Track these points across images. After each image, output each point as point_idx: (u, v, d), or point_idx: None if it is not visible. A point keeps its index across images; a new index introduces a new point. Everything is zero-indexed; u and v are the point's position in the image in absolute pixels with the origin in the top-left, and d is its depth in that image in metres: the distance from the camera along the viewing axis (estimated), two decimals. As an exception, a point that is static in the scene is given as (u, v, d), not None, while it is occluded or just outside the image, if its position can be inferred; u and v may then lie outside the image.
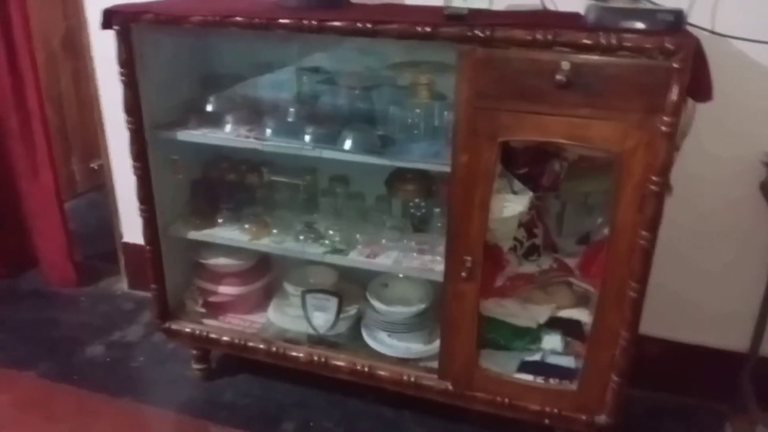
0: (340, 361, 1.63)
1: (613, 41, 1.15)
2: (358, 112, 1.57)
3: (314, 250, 1.63)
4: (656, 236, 1.26)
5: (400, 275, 1.68)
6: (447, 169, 1.36)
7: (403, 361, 1.62)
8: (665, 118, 1.17)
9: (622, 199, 1.25)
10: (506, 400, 1.48)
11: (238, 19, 1.36)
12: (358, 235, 1.65)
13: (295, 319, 1.73)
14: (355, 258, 1.60)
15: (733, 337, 1.69)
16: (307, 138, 1.53)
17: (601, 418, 1.42)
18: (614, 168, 1.25)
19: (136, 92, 1.54)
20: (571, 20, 1.32)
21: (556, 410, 1.46)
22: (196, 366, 1.87)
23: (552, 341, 1.55)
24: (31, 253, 2.38)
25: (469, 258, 1.39)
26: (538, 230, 1.54)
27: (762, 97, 1.50)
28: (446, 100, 1.51)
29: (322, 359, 1.64)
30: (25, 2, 2.05)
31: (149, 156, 1.61)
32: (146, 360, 1.97)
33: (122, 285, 2.34)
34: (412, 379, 1.57)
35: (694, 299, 1.71)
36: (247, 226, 1.70)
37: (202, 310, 1.79)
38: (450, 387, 1.53)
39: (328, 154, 1.51)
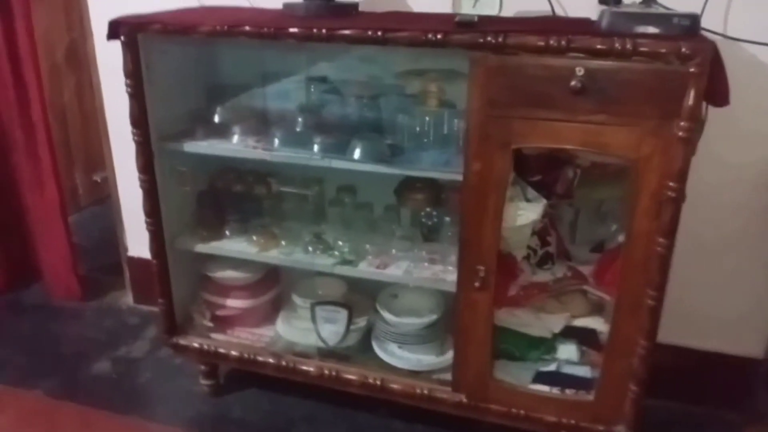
0: (351, 374, 1.61)
1: (629, 46, 1.13)
2: (367, 121, 1.56)
3: (324, 262, 1.61)
4: (673, 243, 1.24)
5: (410, 285, 1.65)
6: (459, 177, 1.34)
7: (414, 374, 1.59)
8: (682, 124, 1.15)
9: (638, 205, 1.24)
10: (522, 411, 1.46)
11: (247, 28, 1.35)
12: (367, 246, 1.63)
13: (304, 331, 1.70)
14: (366, 269, 1.58)
15: (747, 343, 1.67)
16: (315, 148, 1.51)
17: (620, 429, 1.39)
18: (630, 174, 1.23)
19: (142, 103, 1.52)
20: (582, 26, 1.31)
21: (572, 421, 1.43)
22: (203, 381, 1.84)
23: (567, 351, 1.53)
24: (34, 266, 2.36)
25: (482, 267, 1.36)
26: (551, 238, 1.52)
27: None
28: (455, 108, 1.50)
29: (333, 373, 1.62)
30: (30, 15, 2.04)
31: (156, 168, 1.59)
32: (153, 376, 1.94)
33: (127, 299, 2.32)
34: (425, 391, 1.54)
35: (706, 305, 1.68)
36: (254, 237, 1.68)
37: (210, 324, 1.77)
38: (464, 399, 1.50)
39: (337, 163, 1.50)
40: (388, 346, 1.65)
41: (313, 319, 1.65)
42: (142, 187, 1.60)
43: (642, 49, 1.13)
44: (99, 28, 1.92)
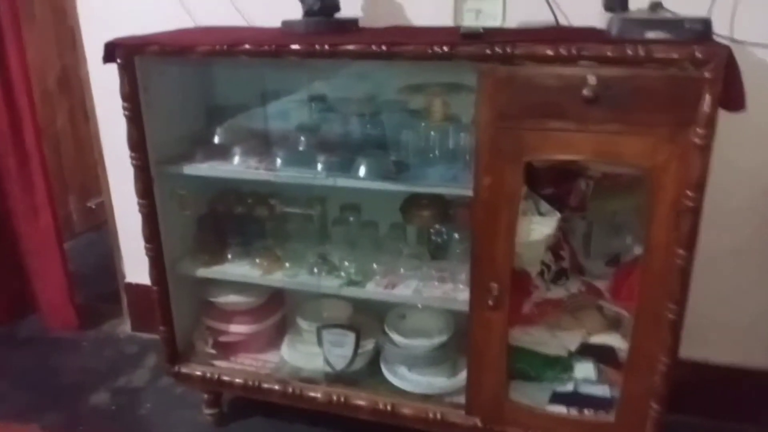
0: (360, 399, 1.55)
1: (642, 53, 1.10)
2: (370, 138, 1.53)
3: (330, 283, 1.57)
4: (693, 254, 1.20)
5: (419, 305, 1.61)
6: (468, 192, 1.31)
7: (426, 397, 1.54)
8: (698, 131, 1.12)
9: (656, 216, 1.20)
10: (540, 434, 1.40)
11: (248, 46, 1.32)
12: (374, 265, 1.58)
13: (310, 356, 1.65)
14: (374, 289, 1.54)
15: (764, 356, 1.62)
16: (319, 166, 1.48)
17: (642, 450, 1.34)
18: (646, 184, 1.20)
19: (140, 127, 1.48)
20: (590, 34, 1.28)
21: (593, 443, 1.38)
22: (207, 411, 1.78)
23: (584, 369, 1.48)
24: (30, 297, 2.30)
25: (495, 285, 1.32)
26: (564, 252, 1.47)
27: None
28: (460, 122, 1.47)
29: (342, 398, 1.56)
30: (22, 41, 2.02)
31: (155, 192, 1.55)
32: (154, 406, 1.88)
33: (125, 327, 2.26)
34: (438, 416, 1.49)
35: (722, 317, 1.64)
36: (258, 260, 1.64)
37: (213, 351, 1.71)
38: (479, 423, 1.45)
39: (342, 182, 1.46)
40: (397, 369, 1.60)
41: (320, 343, 1.60)
42: (141, 212, 1.55)
43: (655, 55, 1.10)
44: (93, 51, 1.89)
